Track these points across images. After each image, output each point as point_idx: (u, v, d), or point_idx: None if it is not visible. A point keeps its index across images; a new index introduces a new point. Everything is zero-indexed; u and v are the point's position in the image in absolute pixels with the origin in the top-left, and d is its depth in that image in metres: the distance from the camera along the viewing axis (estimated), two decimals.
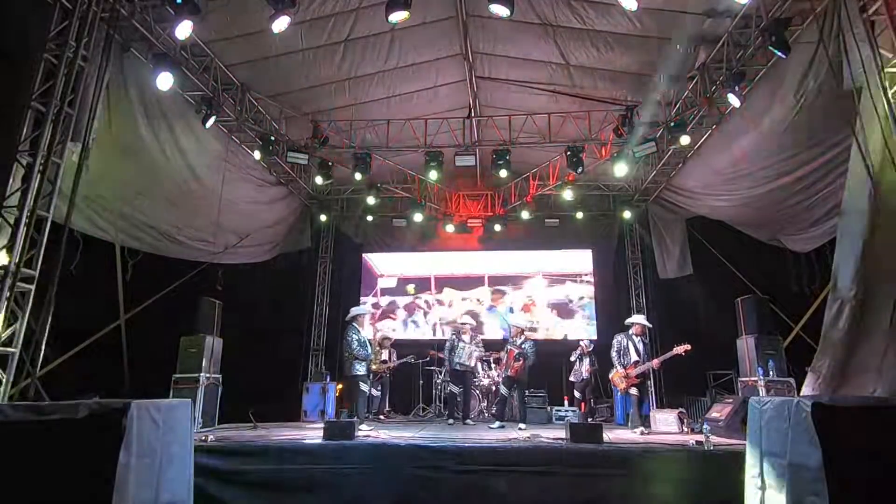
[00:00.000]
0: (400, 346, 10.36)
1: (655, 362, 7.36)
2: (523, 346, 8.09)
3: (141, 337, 8.58)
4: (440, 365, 10.03)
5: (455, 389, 8.67)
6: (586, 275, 11.79)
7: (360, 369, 7.23)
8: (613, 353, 7.67)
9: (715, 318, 8.92)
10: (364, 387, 7.31)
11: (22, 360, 4.90)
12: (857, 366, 4.81)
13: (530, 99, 8.75)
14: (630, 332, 7.70)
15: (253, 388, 8.65)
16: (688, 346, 7.14)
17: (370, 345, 7.77)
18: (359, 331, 7.39)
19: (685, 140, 7.91)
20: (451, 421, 8.54)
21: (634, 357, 7.46)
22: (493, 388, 9.50)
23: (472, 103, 9.11)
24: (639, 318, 7.94)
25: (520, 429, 7.45)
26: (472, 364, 8.69)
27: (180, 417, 4.08)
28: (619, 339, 7.72)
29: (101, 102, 5.59)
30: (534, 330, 8.70)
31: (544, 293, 11.80)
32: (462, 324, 8.94)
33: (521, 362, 8.00)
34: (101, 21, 5.54)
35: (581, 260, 11.96)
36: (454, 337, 8.77)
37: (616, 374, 7.67)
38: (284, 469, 5.01)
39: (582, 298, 11.69)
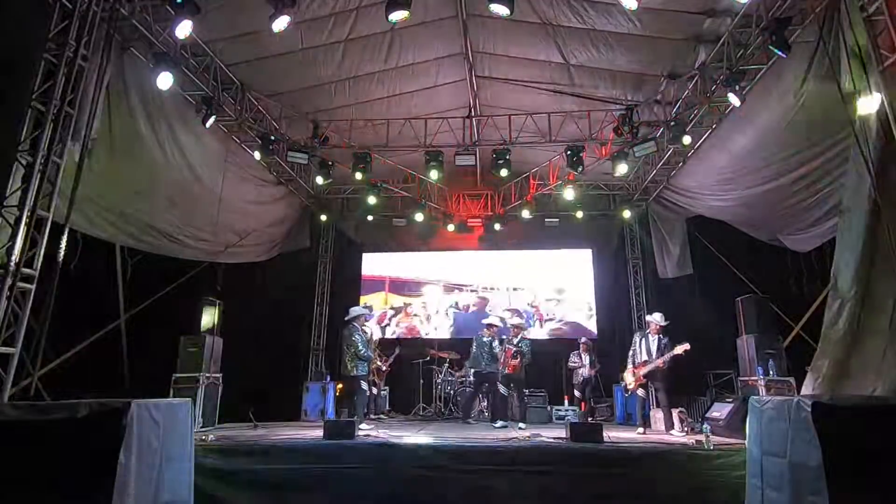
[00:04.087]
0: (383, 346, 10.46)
1: (660, 361, 7.33)
2: (520, 346, 8.16)
3: (141, 337, 8.59)
4: (440, 364, 10.02)
5: (504, 391, 8.27)
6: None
7: (363, 369, 7.27)
8: (630, 352, 7.81)
9: (715, 318, 8.91)
10: (365, 386, 7.36)
11: (22, 359, 4.89)
12: (857, 366, 4.80)
13: (530, 98, 8.74)
14: (647, 330, 7.75)
15: (253, 388, 8.66)
16: (687, 346, 7.14)
17: (371, 345, 7.80)
18: (361, 331, 7.41)
19: (686, 140, 7.89)
20: (470, 420, 8.69)
21: (644, 356, 7.51)
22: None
23: (473, 103, 9.10)
24: (653, 317, 7.87)
25: (520, 428, 7.46)
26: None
27: (180, 417, 4.10)
28: (635, 338, 7.87)
29: (101, 102, 5.59)
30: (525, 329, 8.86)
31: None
32: (490, 325, 8.70)
33: (518, 360, 8.07)
34: (101, 21, 5.53)
35: (581, 260, 11.96)
36: (491, 338, 8.49)
37: (626, 372, 7.75)
38: (284, 469, 5.01)
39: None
